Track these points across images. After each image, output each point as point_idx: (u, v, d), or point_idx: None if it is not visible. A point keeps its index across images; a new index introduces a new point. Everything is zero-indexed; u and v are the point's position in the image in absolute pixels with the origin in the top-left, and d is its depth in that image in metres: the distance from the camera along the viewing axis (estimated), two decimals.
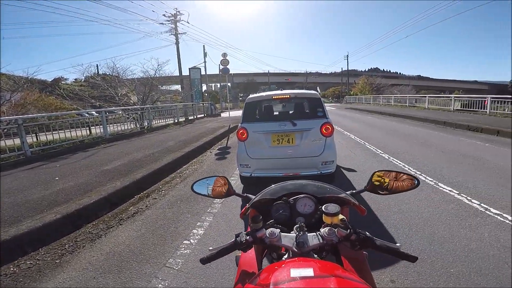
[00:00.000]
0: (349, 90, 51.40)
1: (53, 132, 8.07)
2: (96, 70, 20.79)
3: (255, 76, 66.18)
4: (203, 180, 1.40)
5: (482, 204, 3.56)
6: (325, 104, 4.38)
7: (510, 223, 2.98)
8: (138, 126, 12.52)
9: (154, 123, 13.98)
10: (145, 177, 5.06)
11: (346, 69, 55.28)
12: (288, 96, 4.45)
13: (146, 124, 12.99)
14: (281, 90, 4.95)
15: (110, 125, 10.86)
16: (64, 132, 8.41)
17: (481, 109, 14.18)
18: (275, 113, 5.08)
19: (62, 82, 32.32)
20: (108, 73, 17.39)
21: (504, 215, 3.23)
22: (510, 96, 13.31)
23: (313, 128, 4.07)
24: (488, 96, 13.99)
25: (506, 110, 12.77)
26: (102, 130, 9.94)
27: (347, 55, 52.75)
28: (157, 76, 17.46)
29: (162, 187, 5.02)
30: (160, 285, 2.33)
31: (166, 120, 15.54)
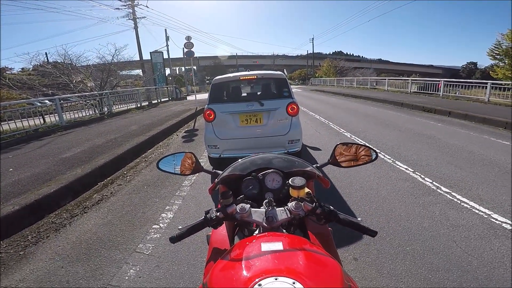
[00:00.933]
0: (315, 73, 52.25)
1: (2, 123, 7.43)
2: (46, 58, 19.04)
3: (223, 59, 64.76)
4: (169, 157, 1.37)
5: (434, 183, 3.85)
6: (292, 86, 4.45)
7: (469, 207, 3.19)
8: (97, 112, 11.86)
9: (114, 108, 13.34)
10: (108, 163, 4.87)
11: (312, 52, 56.07)
12: (255, 76, 4.46)
13: (106, 110, 12.35)
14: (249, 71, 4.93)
15: (66, 112, 10.21)
16: (15, 122, 7.80)
17: (435, 91, 15.17)
18: (243, 94, 5.07)
19: (7, 72, 29.22)
20: (59, 61, 16.08)
21: (453, 193, 3.50)
22: (461, 80, 14.39)
23: (279, 107, 4.14)
24: (441, 79, 14.99)
25: (457, 93, 13.81)
26: (57, 118, 9.30)
27: (313, 38, 53.48)
28: (115, 61, 16.53)
29: (127, 173, 4.88)
30: (131, 271, 2.32)
31: (128, 105, 14.85)
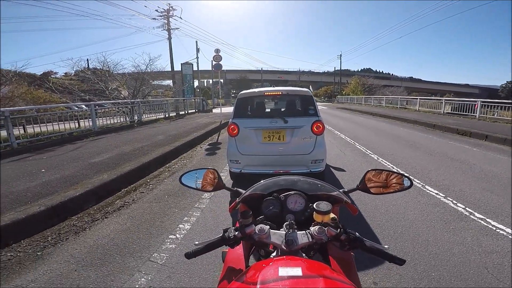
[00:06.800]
0: (341, 90, 51.70)
1: (41, 125, 7.90)
2: (87, 64, 20.42)
3: (248, 73, 65.98)
4: (192, 172, 1.36)
5: (467, 208, 3.61)
6: (317, 104, 4.38)
7: (505, 233, 3.00)
8: (128, 120, 12.38)
9: (144, 117, 13.86)
10: (133, 170, 5.00)
11: (339, 68, 55.75)
12: (280, 92, 4.43)
13: (136, 118, 12.87)
14: (274, 87, 4.93)
15: (100, 118, 10.70)
16: (52, 124, 8.25)
17: (471, 113, 14.29)
18: (266, 109, 5.05)
19: (52, 75, 31.55)
20: (98, 67, 17.14)
21: (488, 219, 3.28)
22: (500, 101, 13.48)
23: (304, 125, 4.06)
24: (478, 100, 14.06)
25: (495, 115, 12.96)
26: (91, 123, 9.81)
27: (340, 55, 53.12)
28: (149, 70, 17.29)
29: (150, 181, 4.97)
30: (142, 279, 2.30)
31: (157, 114, 15.39)
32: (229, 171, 4.52)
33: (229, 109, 18.87)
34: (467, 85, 75.68)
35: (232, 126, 4.20)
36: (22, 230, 2.99)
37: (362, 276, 2.29)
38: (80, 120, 10.01)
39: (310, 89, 5.64)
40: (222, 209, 3.69)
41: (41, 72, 34.45)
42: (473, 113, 14.05)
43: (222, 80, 47.37)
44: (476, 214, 3.44)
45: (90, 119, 9.87)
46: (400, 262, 0.87)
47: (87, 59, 22.09)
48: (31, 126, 7.79)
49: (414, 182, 4.61)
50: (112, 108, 12.23)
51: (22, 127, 8.08)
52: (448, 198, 3.97)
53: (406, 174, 1.23)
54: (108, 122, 11.08)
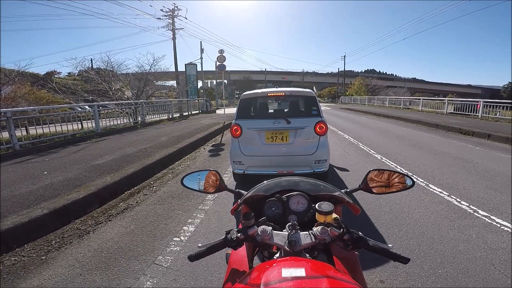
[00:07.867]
0: (345, 91, 51.66)
1: (44, 126, 7.85)
2: (90, 64, 20.43)
3: (252, 73, 66.04)
4: (194, 174, 1.36)
5: (471, 206, 3.61)
6: (320, 104, 4.38)
7: (510, 230, 3.01)
8: (131, 121, 12.34)
9: (147, 118, 13.82)
10: (136, 172, 4.99)
11: (343, 69, 55.75)
12: (283, 93, 4.42)
13: (139, 119, 12.86)
14: (277, 88, 4.94)
15: (103, 119, 10.66)
16: (55, 126, 8.21)
17: (473, 112, 14.39)
18: (270, 110, 5.05)
19: (55, 75, 31.54)
20: (102, 67, 17.15)
21: (492, 217, 3.29)
22: (502, 101, 13.56)
23: (307, 126, 4.06)
24: (480, 100, 14.21)
25: (497, 115, 12.99)
26: (94, 125, 9.78)
27: (344, 56, 53.19)
28: (153, 71, 17.27)
29: (154, 183, 4.96)
30: (148, 283, 2.29)
31: (160, 115, 15.39)
32: (232, 172, 4.52)
33: (233, 110, 18.92)
34: (469, 86, 75.41)
35: (235, 127, 4.19)
36: (25, 234, 2.95)
37: (368, 274, 2.28)
38: (83, 121, 9.95)
39: (314, 90, 5.65)
40: (226, 211, 3.68)
41: (45, 72, 34.28)
42: (476, 113, 14.14)
43: (225, 81, 47.51)
44: (480, 212, 3.44)
45: (93, 120, 9.83)
46: (405, 260, 0.87)
47: (91, 59, 22.21)
48: (34, 127, 7.74)
49: (417, 181, 4.60)
50: (115, 109, 12.22)
51: (24, 128, 8.06)
52: (452, 196, 3.96)
53: (408, 174, 1.23)
54: (111, 123, 11.03)
